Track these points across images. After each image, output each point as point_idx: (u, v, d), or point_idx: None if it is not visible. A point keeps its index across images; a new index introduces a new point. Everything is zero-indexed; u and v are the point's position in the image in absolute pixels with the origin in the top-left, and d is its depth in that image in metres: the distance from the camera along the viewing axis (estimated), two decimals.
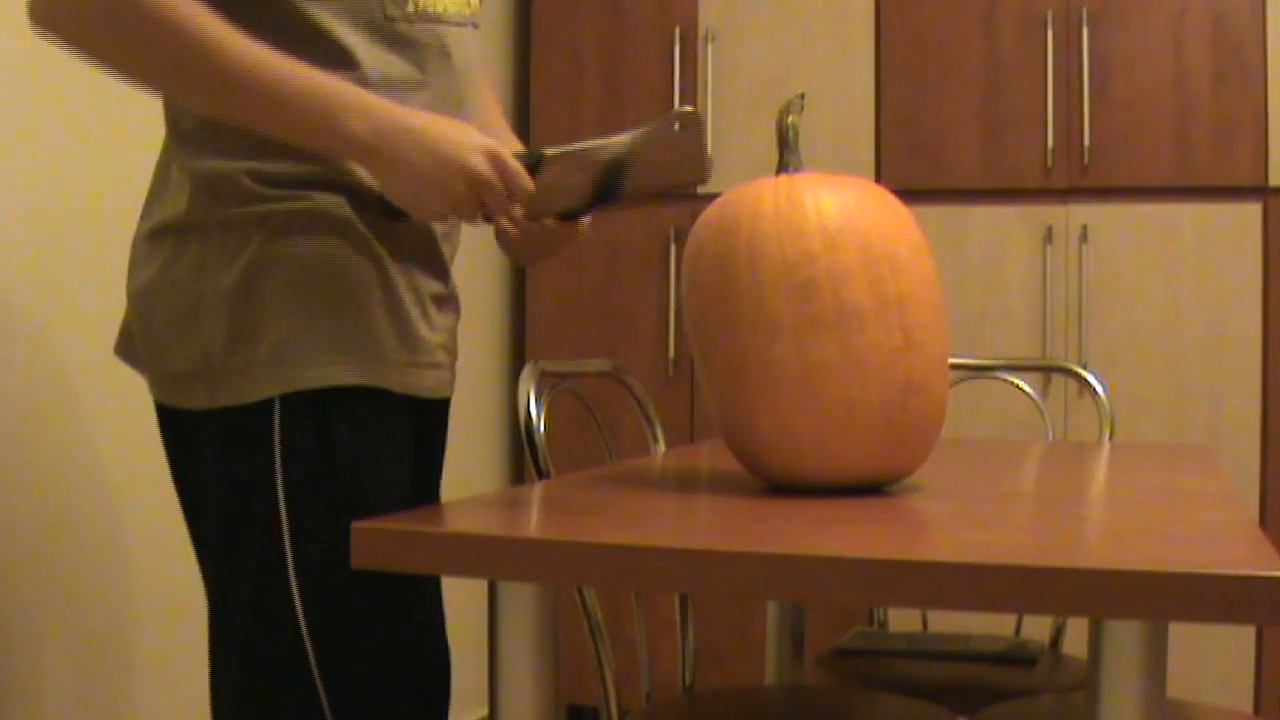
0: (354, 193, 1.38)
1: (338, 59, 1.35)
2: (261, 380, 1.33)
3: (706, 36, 3.35)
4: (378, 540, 1.12)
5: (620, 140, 1.38)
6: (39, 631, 2.02)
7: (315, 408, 1.34)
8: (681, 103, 3.36)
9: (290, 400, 1.33)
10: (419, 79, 1.41)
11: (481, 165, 1.31)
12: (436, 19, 1.43)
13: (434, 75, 1.43)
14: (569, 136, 3.44)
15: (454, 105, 1.46)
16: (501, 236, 1.53)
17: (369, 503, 1.35)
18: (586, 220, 1.52)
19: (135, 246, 1.43)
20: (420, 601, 1.48)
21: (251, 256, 1.34)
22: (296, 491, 1.33)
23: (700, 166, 1.39)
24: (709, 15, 3.35)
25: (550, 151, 1.38)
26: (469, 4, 1.49)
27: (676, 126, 1.36)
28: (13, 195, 1.98)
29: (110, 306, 2.15)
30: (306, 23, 1.34)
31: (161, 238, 1.39)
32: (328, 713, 1.34)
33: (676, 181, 1.40)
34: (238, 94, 1.26)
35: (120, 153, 2.19)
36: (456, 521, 1.16)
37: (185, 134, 1.38)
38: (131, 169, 2.20)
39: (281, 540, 1.33)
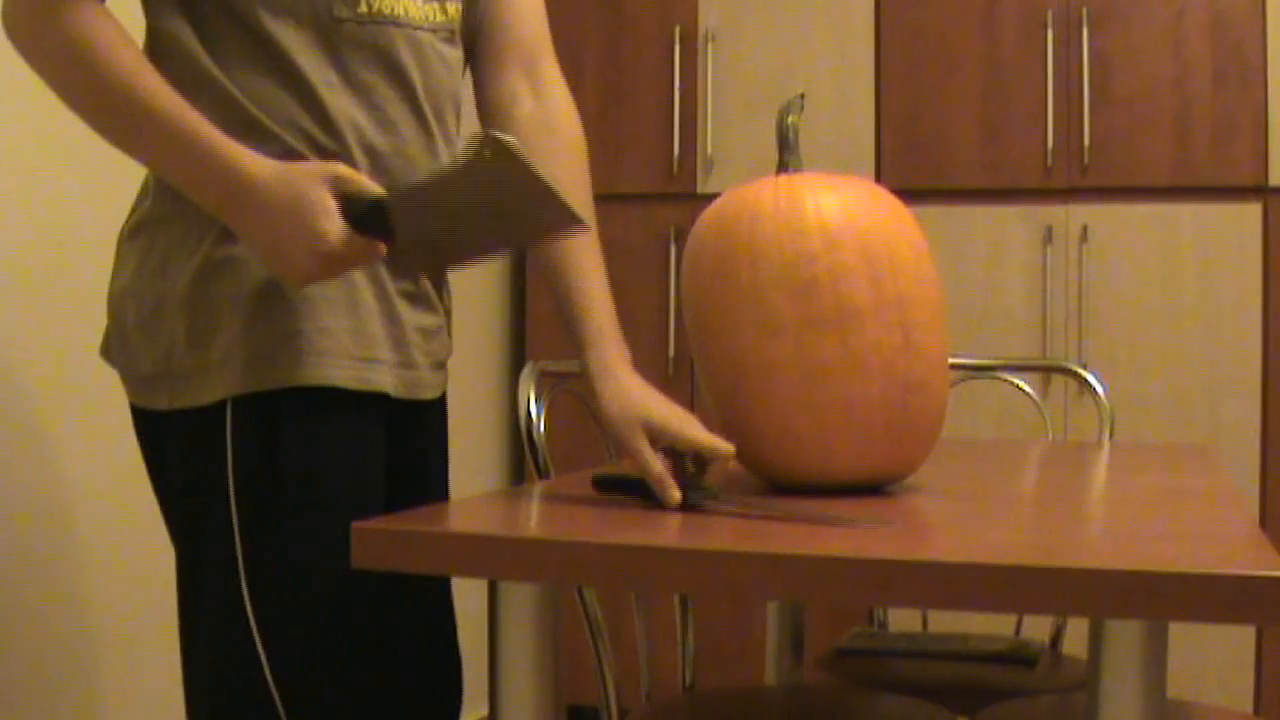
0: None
1: (277, 64, 1.34)
2: (213, 383, 1.33)
3: (706, 36, 3.35)
4: (377, 540, 1.12)
5: (439, 171, 1.28)
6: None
7: (266, 409, 1.33)
8: (681, 102, 3.36)
9: (242, 402, 1.33)
10: (372, 83, 1.38)
11: (310, 266, 1.26)
12: (394, 22, 1.39)
13: (399, 80, 1.40)
14: None
15: (432, 113, 1.43)
16: None
17: (321, 503, 1.34)
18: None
19: (118, 246, 1.43)
20: (401, 606, 1.47)
21: (204, 258, 1.33)
22: (246, 494, 1.32)
23: (563, 210, 1.26)
24: (709, 15, 3.35)
25: (382, 196, 1.29)
26: (440, 11, 1.44)
27: (486, 153, 1.23)
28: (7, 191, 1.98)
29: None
30: (249, 26, 1.33)
31: (136, 236, 1.39)
32: (283, 715, 1.33)
33: (545, 230, 1.30)
34: (141, 137, 1.28)
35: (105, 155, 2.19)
36: (456, 521, 1.16)
37: None
38: (117, 170, 2.20)
39: (234, 542, 1.32)
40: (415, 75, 1.41)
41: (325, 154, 1.35)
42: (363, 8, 1.36)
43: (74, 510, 2.10)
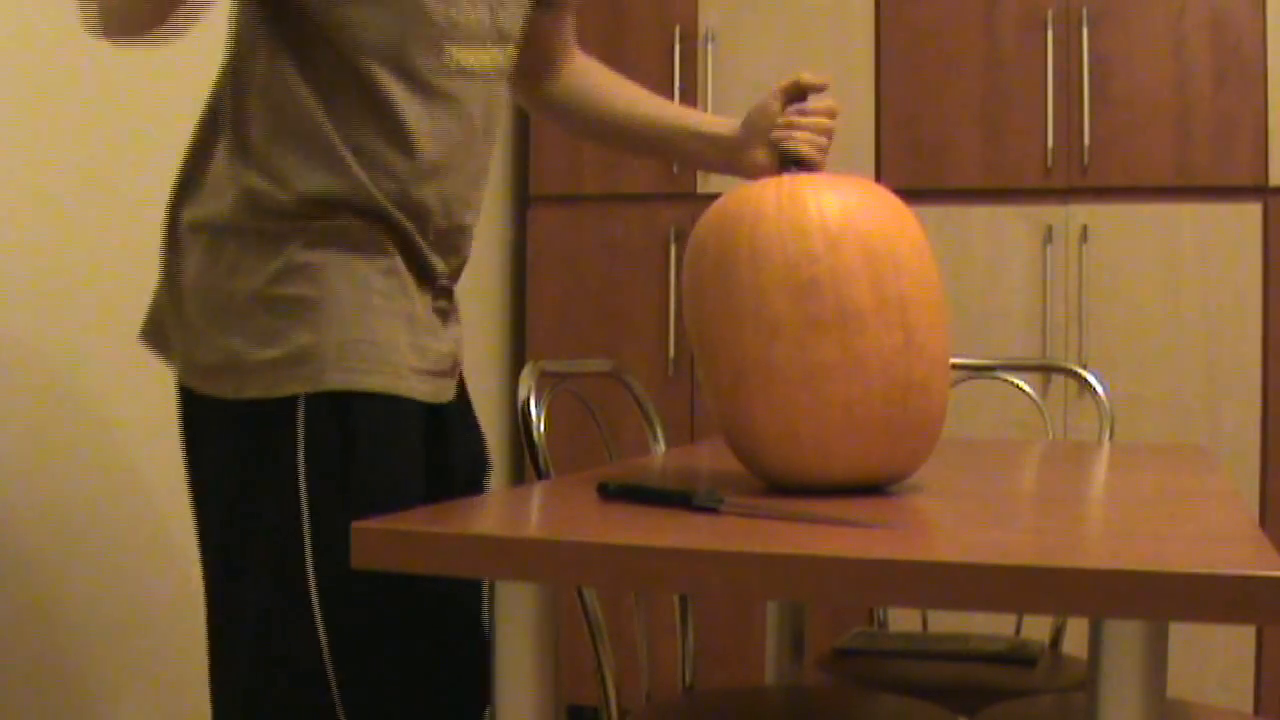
0: (383, 217, 1.43)
1: (383, 112, 1.41)
2: (287, 379, 1.38)
3: (706, 36, 3.35)
4: (377, 540, 1.12)
5: None
6: (50, 628, 2.02)
7: (337, 407, 1.38)
8: (681, 102, 3.35)
9: (314, 398, 1.38)
10: (450, 130, 1.46)
11: None
12: (469, 74, 1.47)
13: (464, 122, 1.48)
14: (568, 136, 3.44)
15: (484, 141, 1.53)
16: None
17: (385, 501, 1.37)
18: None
19: (174, 233, 1.47)
20: (454, 604, 1.49)
21: (282, 264, 1.39)
22: (318, 480, 1.36)
23: None
24: (709, 15, 3.35)
25: None
26: (500, 58, 1.53)
27: None
28: (24, 184, 1.98)
29: (121, 292, 2.15)
30: (356, 73, 1.40)
31: (200, 231, 1.44)
32: (340, 712, 1.34)
33: None
34: None
35: (130, 141, 2.19)
36: (456, 521, 1.16)
37: (248, 144, 1.42)
38: (142, 156, 2.20)
39: (301, 529, 1.35)
40: (479, 119, 1.51)
41: (388, 152, 1.43)
42: (448, 61, 1.45)
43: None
